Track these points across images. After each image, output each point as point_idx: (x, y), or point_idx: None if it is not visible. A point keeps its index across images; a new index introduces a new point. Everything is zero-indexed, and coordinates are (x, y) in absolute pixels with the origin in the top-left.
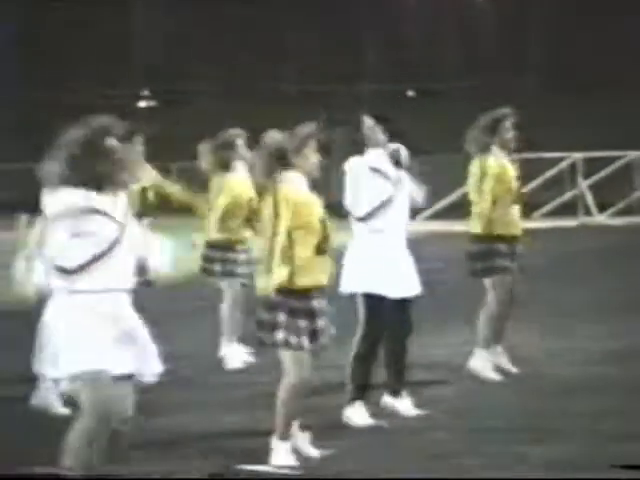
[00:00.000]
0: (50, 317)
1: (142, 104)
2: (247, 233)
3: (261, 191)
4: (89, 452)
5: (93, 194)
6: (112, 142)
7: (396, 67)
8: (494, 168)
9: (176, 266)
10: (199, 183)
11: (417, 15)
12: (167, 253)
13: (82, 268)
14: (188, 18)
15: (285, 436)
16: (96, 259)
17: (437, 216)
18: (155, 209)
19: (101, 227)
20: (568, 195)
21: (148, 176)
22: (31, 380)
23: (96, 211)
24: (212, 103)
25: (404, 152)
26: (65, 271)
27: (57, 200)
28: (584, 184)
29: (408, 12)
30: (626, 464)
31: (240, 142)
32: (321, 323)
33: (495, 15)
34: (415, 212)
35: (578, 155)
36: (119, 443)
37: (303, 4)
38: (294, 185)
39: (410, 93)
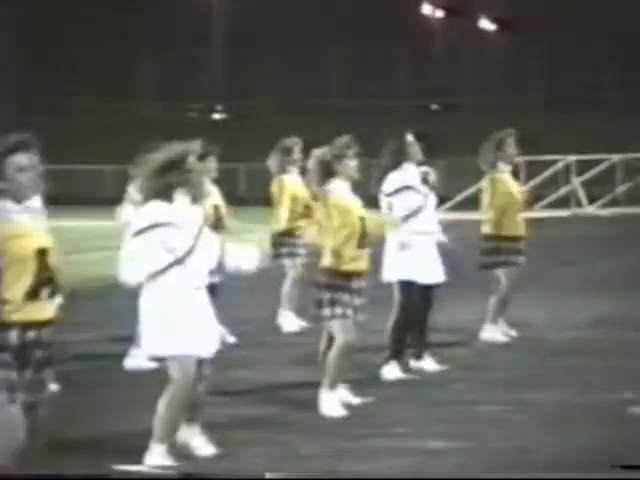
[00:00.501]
0: (146, 305)
1: (215, 116)
2: (303, 223)
3: (315, 194)
4: (178, 412)
5: (173, 207)
6: (191, 161)
7: (423, 85)
8: (501, 187)
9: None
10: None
11: (442, 43)
12: (245, 256)
13: (168, 268)
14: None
15: (333, 387)
16: (178, 261)
17: (456, 207)
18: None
19: (181, 235)
20: (563, 190)
21: (215, 194)
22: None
23: (176, 222)
24: (272, 116)
25: (432, 175)
26: (155, 270)
27: (145, 212)
28: (576, 181)
29: (435, 40)
30: (626, 464)
31: (297, 149)
32: (360, 300)
33: (504, 45)
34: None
35: (572, 157)
36: (196, 398)
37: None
38: (340, 192)
39: (434, 107)
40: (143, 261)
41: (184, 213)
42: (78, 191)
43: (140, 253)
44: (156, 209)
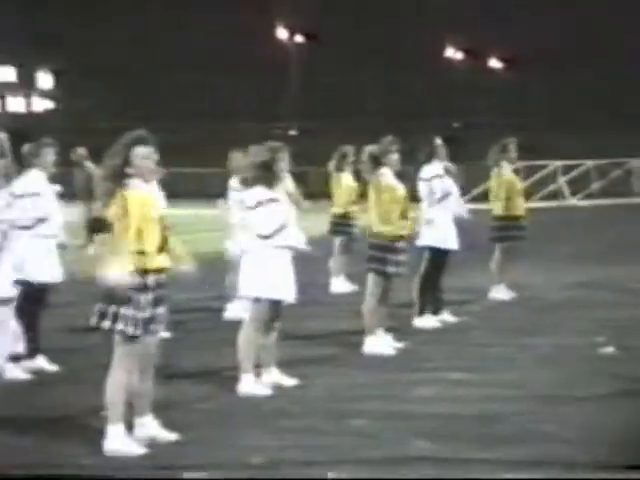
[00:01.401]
0: (251, 260)
1: (292, 132)
2: (353, 208)
3: (366, 182)
4: (255, 349)
5: (271, 190)
6: (281, 158)
7: (447, 107)
8: (505, 179)
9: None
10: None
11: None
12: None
13: (271, 234)
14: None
15: (372, 333)
16: (280, 229)
17: (473, 199)
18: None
19: (279, 209)
20: (552, 187)
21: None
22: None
23: (276, 200)
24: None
25: (454, 168)
26: (263, 236)
27: (252, 194)
28: (561, 180)
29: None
30: (626, 464)
31: (350, 154)
32: (402, 258)
33: (509, 78)
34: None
35: (558, 163)
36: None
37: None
38: (387, 177)
39: (455, 124)
40: (255, 228)
41: (278, 193)
42: (188, 188)
43: (253, 222)
44: (262, 191)
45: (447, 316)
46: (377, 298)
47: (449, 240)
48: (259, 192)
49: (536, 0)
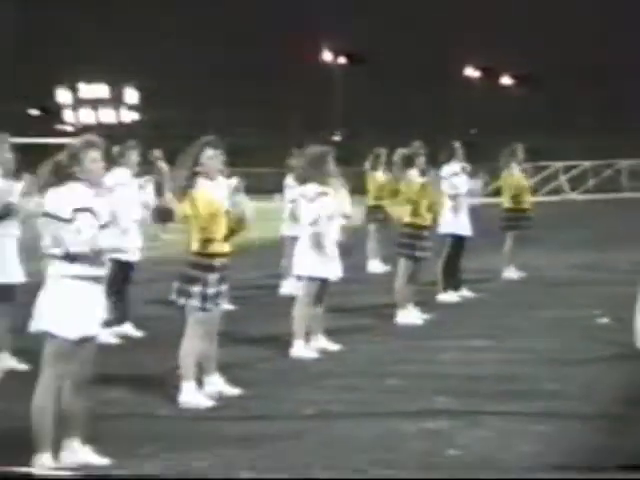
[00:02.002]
0: (301, 247)
1: (336, 138)
2: (384, 202)
3: (396, 179)
4: (306, 319)
5: (322, 186)
6: (330, 158)
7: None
8: (514, 179)
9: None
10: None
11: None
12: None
13: (322, 220)
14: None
15: (403, 307)
16: (329, 217)
17: (487, 194)
18: None
19: (328, 201)
20: (554, 184)
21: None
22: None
23: (325, 194)
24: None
25: (468, 167)
26: (313, 221)
27: (306, 189)
28: (562, 178)
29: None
30: (626, 464)
31: (383, 155)
32: (427, 244)
33: (518, 92)
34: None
35: (560, 164)
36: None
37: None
38: (415, 176)
39: (473, 131)
40: (307, 218)
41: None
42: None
43: (306, 213)
44: (314, 187)
45: (466, 292)
46: (406, 278)
47: (466, 228)
48: (312, 187)
49: (537, 32)
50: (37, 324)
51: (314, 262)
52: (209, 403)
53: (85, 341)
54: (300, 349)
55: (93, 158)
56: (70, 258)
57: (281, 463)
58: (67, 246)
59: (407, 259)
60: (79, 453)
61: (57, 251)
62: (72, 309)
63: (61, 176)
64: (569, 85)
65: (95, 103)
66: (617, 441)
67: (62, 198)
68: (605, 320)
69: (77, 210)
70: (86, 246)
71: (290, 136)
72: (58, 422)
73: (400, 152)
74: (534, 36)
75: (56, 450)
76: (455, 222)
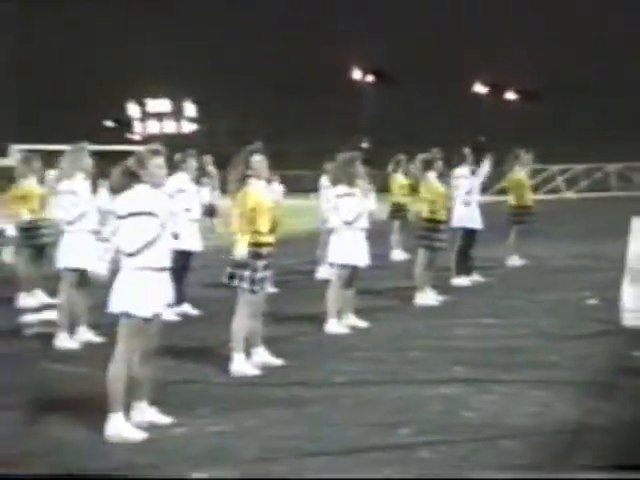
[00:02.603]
0: (335, 238)
1: (364, 145)
2: (406, 200)
3: (417, 180)
4: (336, 302)
5: (350, 187)
6: (358, 162)
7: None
8: (517, 181)
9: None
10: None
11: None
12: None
13: (351, 219)
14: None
15: (421, 290)
16: (356, 215)
17: (494, 193)
18: None
19: (356, 201)
20: (553, 184)
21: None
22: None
23: (353, 194)
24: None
25: (477, 170)
26: (346, 220)
27: (338, 189)
28: (559, 179)
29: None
30: (626, 464)
31: (403, 159)
32: (443, 236)
33: (521, 106)
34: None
35: (557, 167)
36: (349, 292)
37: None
38: (434, 178)
39: (482, 138)
40: (340, 214)
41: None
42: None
43: (338, 210)
44: (343, 187)
45: (476, 277)
46: (425, 265)
47: (476, 222)
48: (342, 188)
49: (538, 54)
50: (115, 305)
51: (346, 251)
52: (256, 371)
53: (153, 319)
54: (333, 326)
55: (157, 164)
56: (136, 253)
57: (319, 422)
58: (134, 242)
59: (426, 249)
60: (146, 413)
61: (126, 246)
62: (142, 293)
63: (129, 179)
64: (565, 99)
65: (160, 116)
66: (604, 404)
67: (129, 200)
68: (594, 301)
69: (141, 211)
70: (148, 243)
71: (325, 143)
72: (129, 387)
73: (420, 157)
74: (534, 55)
75: (127, 411)
76: (467, 217)
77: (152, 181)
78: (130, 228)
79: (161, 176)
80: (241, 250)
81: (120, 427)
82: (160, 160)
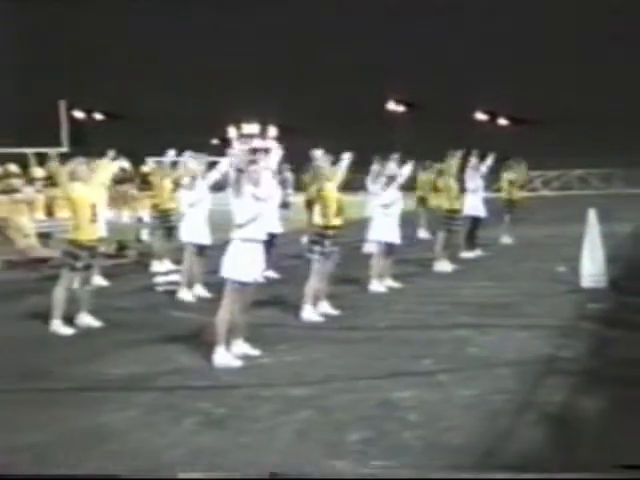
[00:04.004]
0: (376, 220)
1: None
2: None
3: (436, 179)
4: (379, 269)
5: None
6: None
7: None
8: (507, 181)
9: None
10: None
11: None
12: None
13: (388, 204)
14: None
15: (439, 260)
16: (391, 203)
17: (494, 190)
18: None
19: (393, 192)
20: (532, 185)
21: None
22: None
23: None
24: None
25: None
26: (384, 204)
27: (377, 186)
28: (538, 181)
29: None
30: (626, 464)
31: (427, 164)
32: (458, 222)
33: (511, 130)
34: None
35: (536, 172)
36: (388, 261)
37: None
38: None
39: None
40: (379, 201)
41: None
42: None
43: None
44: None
45: (479, 252)
46: (443, 243)
47: (481, 211)
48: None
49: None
50: (225, 272)
51: (387, 230)
52: (320, 319)
53: (251, 282)
54: (376, 286)
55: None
56: (243, 226)
57: (366, 355)
58: (242, 218)
59: (445, 232)
60: (241, 347)
61: (237, 221)
62: (245, 263)
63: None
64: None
65: (251, 136)
66: (569, 341)
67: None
68: (563, 269)
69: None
70: (252, 219)
71: (365, 155)
72: (230, 328)
73: (438, 167)
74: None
75: (228, 345)
76: (474, 207)
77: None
78: (241, 207)
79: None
80: (315, 229)
81: (223, 356)
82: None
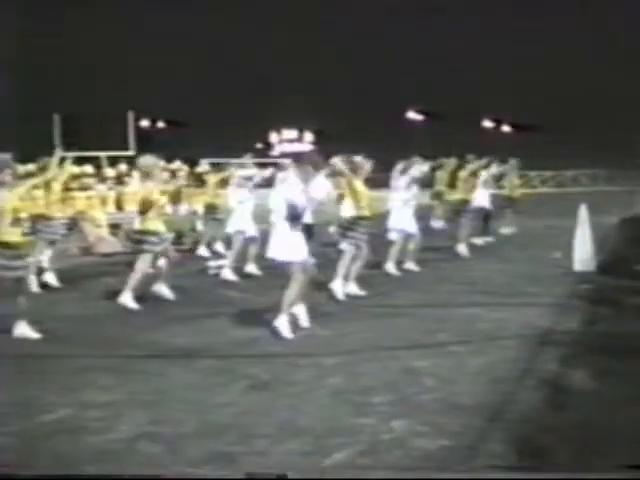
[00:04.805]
0: (395, 214)
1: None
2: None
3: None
4: (396, 255)
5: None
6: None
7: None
8: (508, 182)
9: None
10: None
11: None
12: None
13: (408, 200)
14: None
15: (460, 243)
16: (409, 199)
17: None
18: None
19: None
20: (532, 183)
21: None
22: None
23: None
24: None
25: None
26: (404, 200)
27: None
28: (536, 180)
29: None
30: (626, 464)
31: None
32: (468, 216)
33: (513, 136)
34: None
35: (533, 173)
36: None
37: None
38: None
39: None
40: (399, 196)
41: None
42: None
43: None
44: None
45: (488, 238)
46: (466, 229)
47: (488, 202)
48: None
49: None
50: (287, 255)
51: (405, 222)
52: (362, 292)
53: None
54: (392, 269)
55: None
56: (286, 218)
57: (389, 329)
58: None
59: (465, 220)
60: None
61: (281, 214)
62: (295, 246)
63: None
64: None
65: (290, 141)
66: (563, 318)
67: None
68: (558, 255)
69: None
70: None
71: (389, 158)
72: (293, 301)
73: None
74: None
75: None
76: (484, 201)
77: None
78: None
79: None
80: (345, 219)
81: (284, 324)
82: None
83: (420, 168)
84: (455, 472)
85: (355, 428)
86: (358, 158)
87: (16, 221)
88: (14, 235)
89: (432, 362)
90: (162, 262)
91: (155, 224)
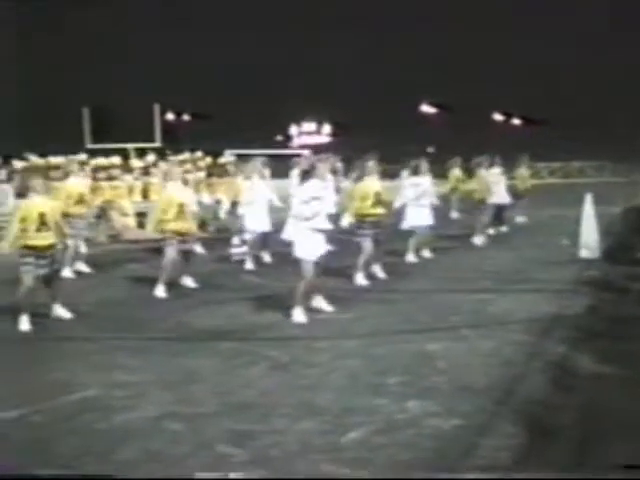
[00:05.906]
0: (408, 209)
1: (431, 151)
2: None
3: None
4: (416, 243)
5: (419, 177)
6: (424, 162)
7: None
8: (519, 174)
9: None
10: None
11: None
12: None
13: (418, 196)
14: None
15: (477, 235)
16: (423, 194)
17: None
18: None
19: (425, 186)
20: (540, 174)
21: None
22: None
23: (420, 183)
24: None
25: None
26: (412, 198)
27: (411, 179)
28: (544, 171)
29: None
30: (626, 464)
31: (457, 160)
32: (487, 212)
33: (522, 129)
34: None
35: (542, 164)
36: (429, 240)
37: None
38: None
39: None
40: (408, 193)
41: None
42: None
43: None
44: (416, 178)
45: (503, 228)
46: (484, 220)
47: (505, 199)
48: (413, 179)
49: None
50: (297, 252)
51: (420, 215)
52: (365, 283)
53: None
54: (411, 257)
55: (325, 167)
56: (306, 219)
57: (404, 313)
58: (304, 213)
59: (482, 214)
60: (317, 302)
61: (300, 215)
62: (312, 244)
63: (305, 175)
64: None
65: (309, 133)
66: (570, 302)
67: (305, 189)
68: (566, 242)
69: (312, 196)
70: (313, 214)
71: (403, 152)
72: (308, 290)
73: (475, 160)
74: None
75: (307, 303)
76: (499, 196)
77: (321, 177)
78: (305, 204)
79: (325, 175)
80: (348, 219)
81: (300, 314)
82: (326, 165)
83: (423, 181)
84: (455, 472)
85: (371, 408)
86: (370, 163)
87: (42, 225)
88: (39, 239)
89: (444, 345)
90: (189, 248)
91: (177, 225)
